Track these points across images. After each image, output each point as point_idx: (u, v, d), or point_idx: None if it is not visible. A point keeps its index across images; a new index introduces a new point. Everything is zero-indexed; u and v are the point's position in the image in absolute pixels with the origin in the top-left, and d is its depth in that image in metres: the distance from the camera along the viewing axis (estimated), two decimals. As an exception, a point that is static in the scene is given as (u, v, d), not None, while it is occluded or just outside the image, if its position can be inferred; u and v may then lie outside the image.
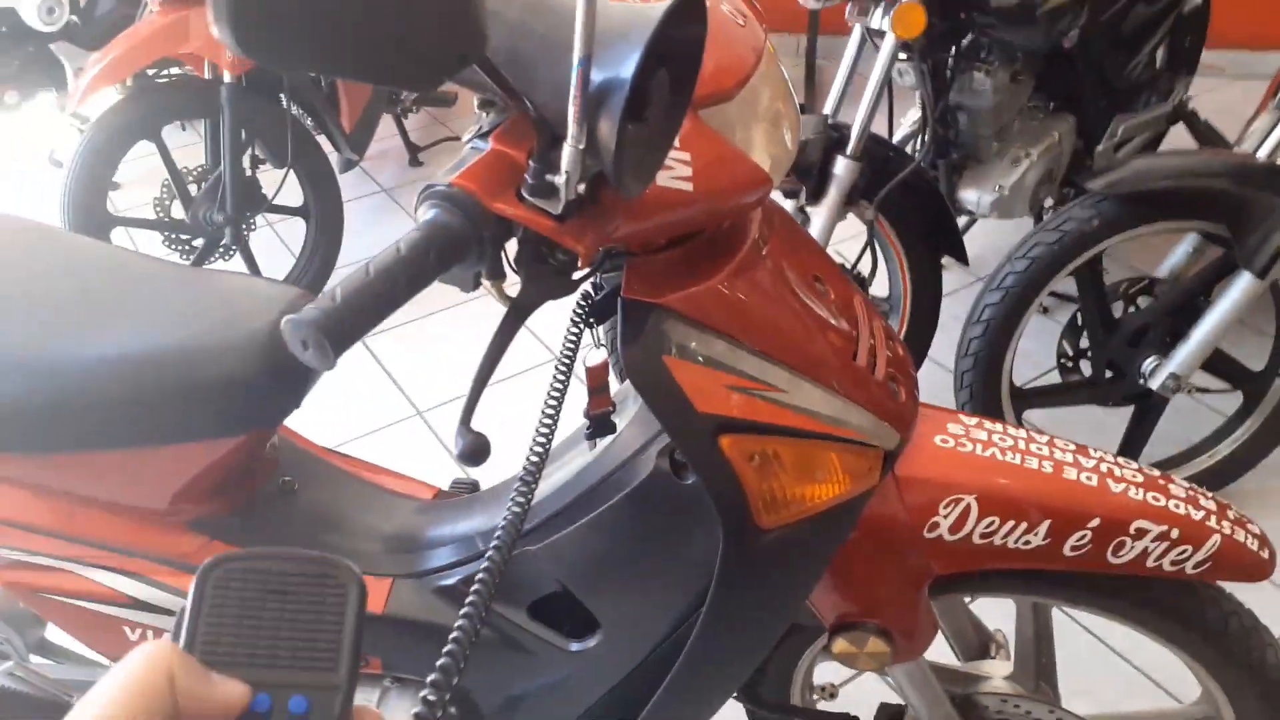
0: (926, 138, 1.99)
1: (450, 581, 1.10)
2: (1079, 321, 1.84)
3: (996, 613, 1.24)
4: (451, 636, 0.63)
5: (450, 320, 2.54)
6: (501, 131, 0.71)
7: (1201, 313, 1.71)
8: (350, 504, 1.21)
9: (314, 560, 0.42)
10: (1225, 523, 0.96)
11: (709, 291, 0.81)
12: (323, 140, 2.62)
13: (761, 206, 0.89)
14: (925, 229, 1.95)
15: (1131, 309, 1.83)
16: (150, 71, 3.06)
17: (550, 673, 1.10)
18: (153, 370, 1.01)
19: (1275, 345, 1.81)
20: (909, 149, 2.20)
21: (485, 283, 0.76)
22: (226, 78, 2.31)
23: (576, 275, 0.77)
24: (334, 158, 2.63)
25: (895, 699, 1.24)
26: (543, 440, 0.80)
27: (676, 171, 0.73)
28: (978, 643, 1.21)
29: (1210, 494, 0.99)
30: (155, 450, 1.05)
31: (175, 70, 3.13)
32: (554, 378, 0.84)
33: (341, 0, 0.54)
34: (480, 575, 0.68)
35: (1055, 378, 1.94)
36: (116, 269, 1.13)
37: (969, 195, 2.11)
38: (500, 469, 1.03)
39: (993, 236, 2.70)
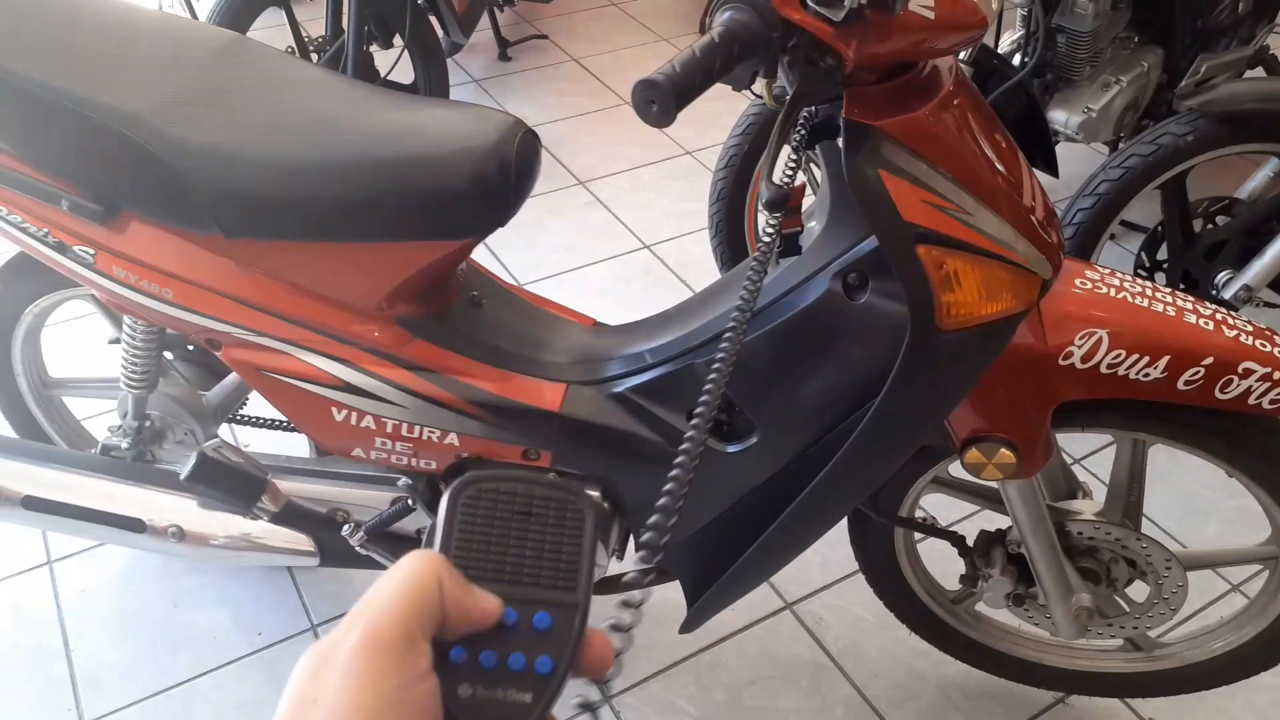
0: (1032, 52, 2.09)
1: (620, 389, 1.26)
2: (1159, 234, 1.97)
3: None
4: (674, 466, 0.58)
5: (663, 170, 2.82)
6: (791, -50, 0.85)
7: (1276, 232, 1.84)
8: (527, 321, 1.37)
9: (557, 486, 0.44)
10: (1320, 371, 1.11)
11: (915, 120, 0.96)
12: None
13: (956, 69, 1.03)
14: (1021, 137, 2.07)
15: (1210, 226, 1.96)
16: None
17: (701, 474, 1.25)
18: (386, 173, 1.16)
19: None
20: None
21: (758, 82, 0.89)
22: (356, -49, 2.42)
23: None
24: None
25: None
26: (764, 252, 0.92)
27: (923, 1, 0.88)
28: (1066, 488, 1.37)
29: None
30: (380, 246, 1.20)
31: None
32: (767, 218, 0.98)
33: None
34: (704, 396, 0.67)
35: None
36: (339, 89, 1.27)
37: (1058, 115, 2.23)
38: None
39: (1072, 167, 2.82)
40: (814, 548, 1.77)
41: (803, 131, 1.02)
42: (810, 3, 0.83)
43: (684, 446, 0.53)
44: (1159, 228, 1.97)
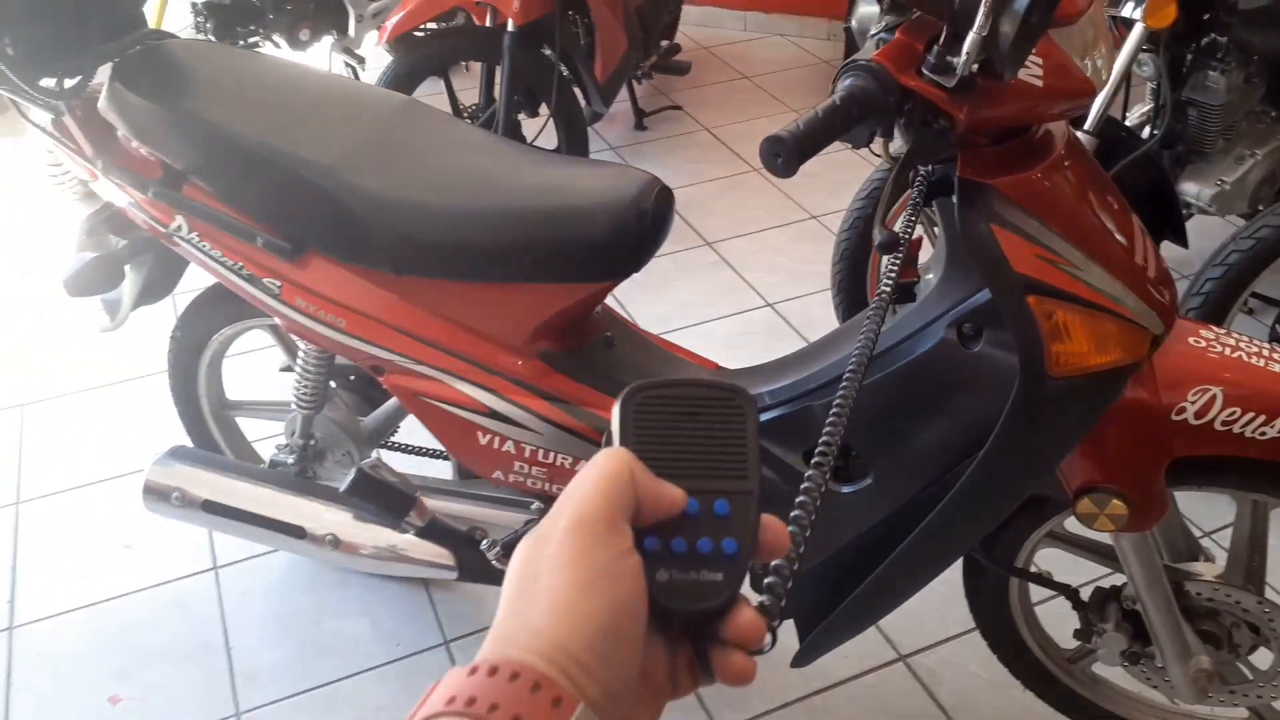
0: (1159, 126, 2.11)
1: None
2: (1293, 306, 1.95)
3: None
4: (797, 503, 0.51)
5: (788, 234, 2.96)
6: (907, 26, 0.95)
7: None
8: (656, 361, 1.47)
9: (715, 386, 0.47)
10: None
11: (1027, 179, 1.03)
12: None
13: (1067, 132, 1.10)
14: (1149, 211, 2.08)
15: (1349, 299, 1.93)
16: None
17: (819, 513, 1.31)
18: (537, 222, 1.30)
19: None
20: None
21: (877, 141, 0.99)
22: (510, 26, 2.63)
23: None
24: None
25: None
26: (883, 298, 0.95)
27: (1032, 71, 0.96)
28: (1186, 550, 1.37)
29: None
30: (528, 287, 1.33)
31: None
32: (891, 259, 1.06)
33: None
34: (825, 433, 0.64)
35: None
36: (498, 149, 1.43)
37: (1190, 187, 2.23)
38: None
39: (1202, 241, 2.78)
40: (930, 602, 1.80)
41: (921, 187, 1.10)
42: (925, 70, 0.92)
43: (804, 487, 0.51)
44: (1294, 300, 1.94)
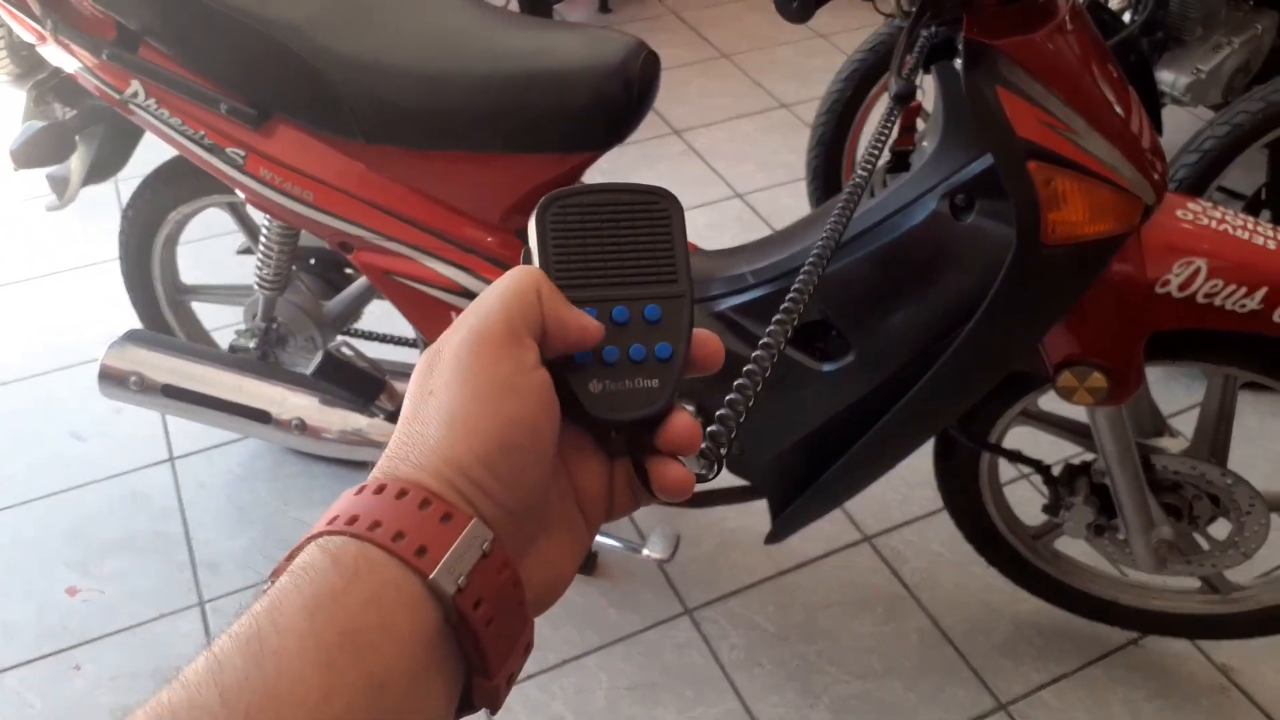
0: (1142, 11, 2.08)
1: (721, 308, 1.32)
2: (1262, 197, 1.96)
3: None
4: (752, 358, 0.51)
5: (757, 123, 2.87)
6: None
7: (1385, 198, 1.82)
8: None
9: (636, 189, 0.45)
10: None
11: (1032, 41, 1.00)
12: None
13: (1071, 1, 1.06)
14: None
15: (1316, 189, 1.94)
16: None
17: (795, 392, 1.31)
18: (516, 87, 1.23)
19: None
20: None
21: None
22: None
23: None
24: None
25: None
26: (868, 164, 0.89)
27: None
28: (1153, 427, 1.39)
29: None
30: (506, 158, 1.28)
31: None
32: (887, 113, 1.03)
33: None
34: (789, 298, 0.60)
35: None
36: (477, 10, 1.35)
37: (1166, 75, 2.21)
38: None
39: (1173, 135, 2.78)
40: (894, 486, 1.84)
41: (923, 50, 1.06)
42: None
43: (758, 349, 0.49)
44: (1261, 192, 1.95)
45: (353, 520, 0.36)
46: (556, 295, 0.41)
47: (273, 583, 0.35)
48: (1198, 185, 1.86)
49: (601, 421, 0.42)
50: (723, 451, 0.45)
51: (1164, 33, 2.18)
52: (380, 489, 0.36)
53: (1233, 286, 1.12)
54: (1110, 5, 2.31)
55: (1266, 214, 1.98)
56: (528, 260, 0.44)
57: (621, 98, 1.22)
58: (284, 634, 0.32)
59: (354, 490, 0.37)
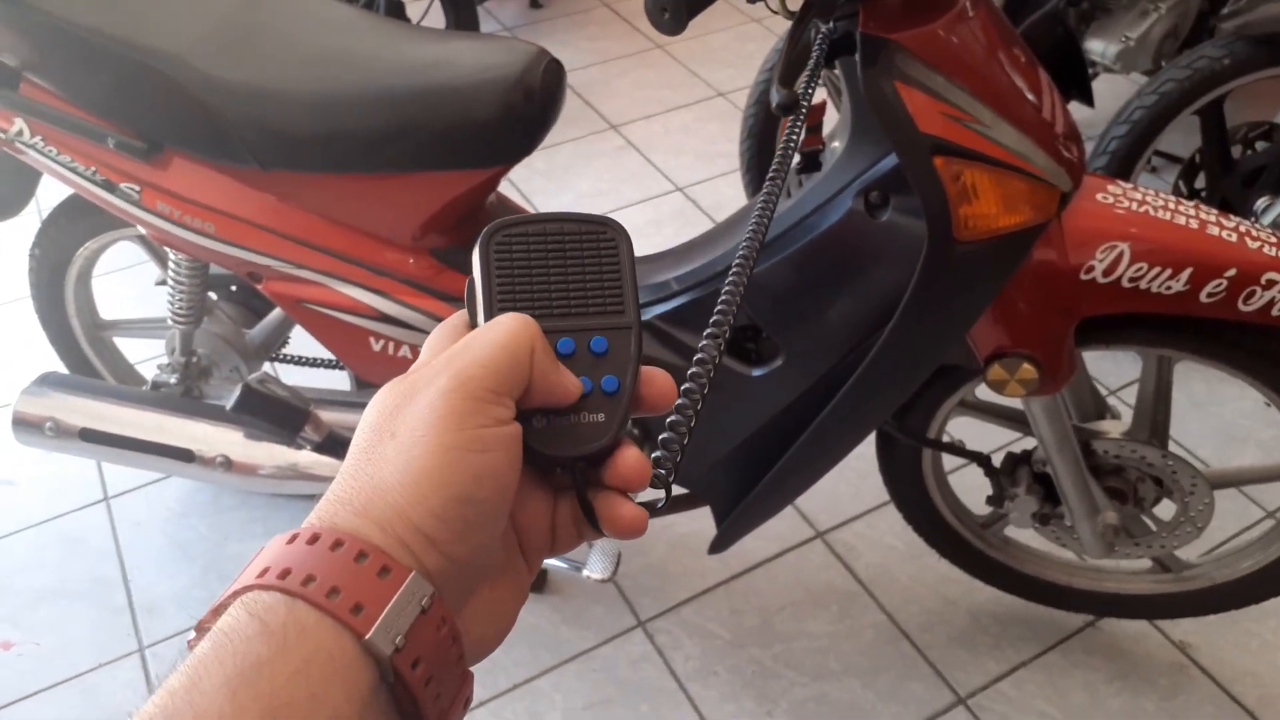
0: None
1: (647, 317, 1.28)
2: (1196, 163, 1.95)
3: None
4: (689, 375, 0.52)
5: (695, 113, 2.82)
6: None
7: (1317, 157, 1.81)
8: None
9: (582, 219, 0.44)
10: (1345, 281, 1.11)
11: (931, 33, 0.96)
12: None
13: None
14: (1055, 69, 2.04)
15: (1249, 152, 1.93)
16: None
17: (729, 398, 1.28)
18: (415, 105, 1.18)
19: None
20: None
21: (772, -6, 0.91)
22: (386, -103, 2.43)
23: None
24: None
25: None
26: (782, 168, 0.91)
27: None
28: (1094, 409, 1.37)
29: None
30: (411, 177, 1.23)
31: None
32: (793, 121, 0.99)
33: None
34: (718, 310, 0.60)
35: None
36: (367, 25, 1.30)
37: (1095, 45, 2.19)
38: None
39: (1107, 102, 2.77)
40: (845, 478, 1.81)
41: (822, 46, 1.02)
42: (820, -88, 0.84)
43: (694, 370, 0.49)
44: (1196, 156, 1.94)
45: (284, 574, 0.34)
46: (548, 354, 0.40)
47: (199, 636, 0.33)
48: (1130, 155, 1.85)
49: (547, 458, 0.41)
50: (671, 477, 0.44)
51: (1090, 2, 2.16)
52: (314, 539, 0.35)
53: (1157, 269, 1.09)
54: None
55: (1202, 177, 1.97)
56: (471, 291, 0.43)
57: (525, 109, 1.18)
58: (203, 717, 0.30)
59: (286, 538, 0.35)
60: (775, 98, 0.86)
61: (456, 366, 0.38)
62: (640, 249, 1.46)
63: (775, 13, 0.93)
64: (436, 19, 2.70)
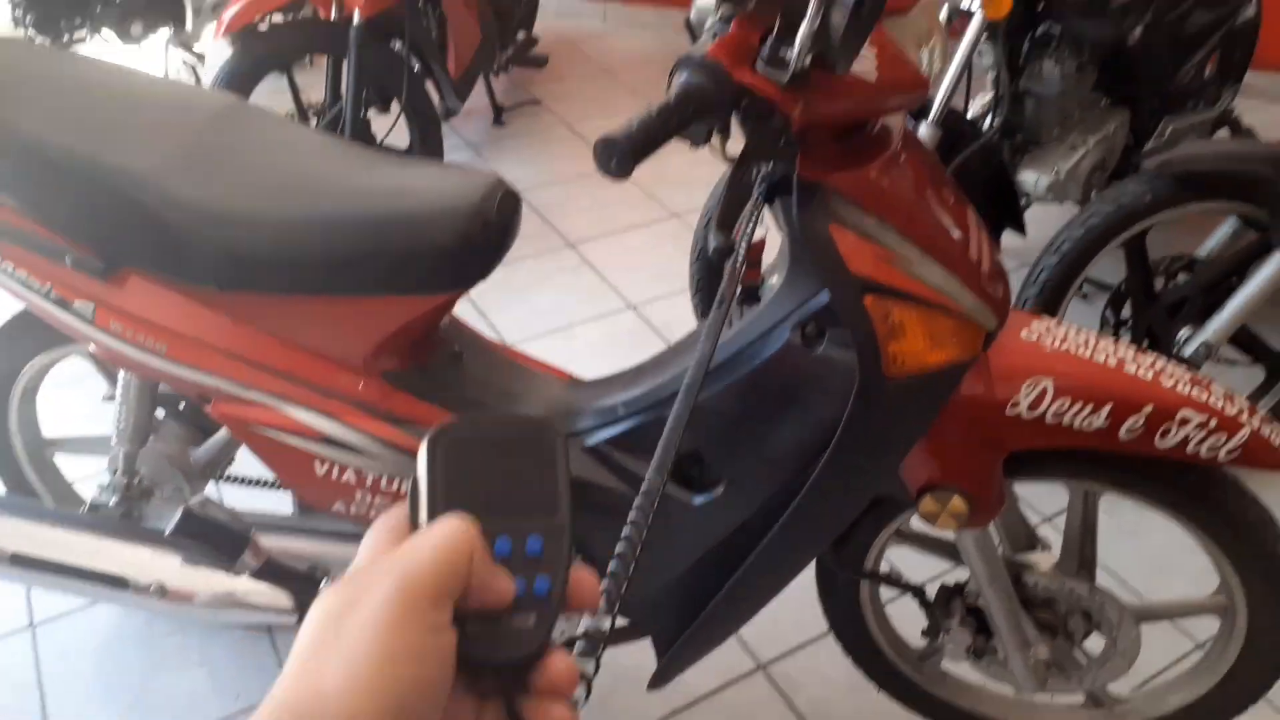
0: (999, 115, 2.18)
1: (592, 442, 1.30)
2: (1122, 292, 2.04)
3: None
4: (632, 514, 0.57)
5: (650, 233, 2.92)
6: (742, 18, 0.92)
7: (1235, 291, 1.90)
8: (506, 376, 1.42)
9: (523, 422, 0.47)
10: (1254, 419, 1.16)
11: (864, 176, 1.02)
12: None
13: (904, 127, 1.10)
14: (989, 200, 2.15)
15: (1171, 284, 2.02)
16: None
17: (670, 526, 1.29)
18: (373, 231, 1.21)
19: (1301, 325, 2.01)
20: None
21: (714, 140, 0.96)
22: (355, 18, 2.51)
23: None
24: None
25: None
26: (721, 310, 0.95)
27: (866, 64, 0.95)
28: (1025, 539, 1.40)
29: (1243, 398, 1.19)
30: (367, 300, 1.25)
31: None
32: (734, 260, 1.03)
33: None
34: (662, 444, 0.69)
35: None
36: (331, 151, 1.34)
37: (1027, 176, 2.30)
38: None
39: (1040, 228, 2.90)
40: (786, 607, 1.80)
41: (761, 188, 1.08)
42: (759, 66, 0.90)
43: (639, 501, 0.53)
44: (1123, 285, 2.03)
45: None
46: (485, 559, 0.42)
47: None
48: (1061, 284, 1.93)
49: (479, 663, 0.42)
50: (623, 588, 0.46)
51: (1023, 135, 2.29)
52: None
53: (1079, 405, 1.14)
54: (971, 113, 2.42)
55: (1129, 305, 2.05)
56: (415, 489, 0.44)
57: (481, 238, 1.21)
58: None
59: None
60: (712, 241, 0.91)
61: (400, 571, 0.40)
62: (594, 365, 1.50)
63: (720, 153, 0.98)
64: (401, 135, 2.78)
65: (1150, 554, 1.92)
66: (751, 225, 1.02)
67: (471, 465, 0.45)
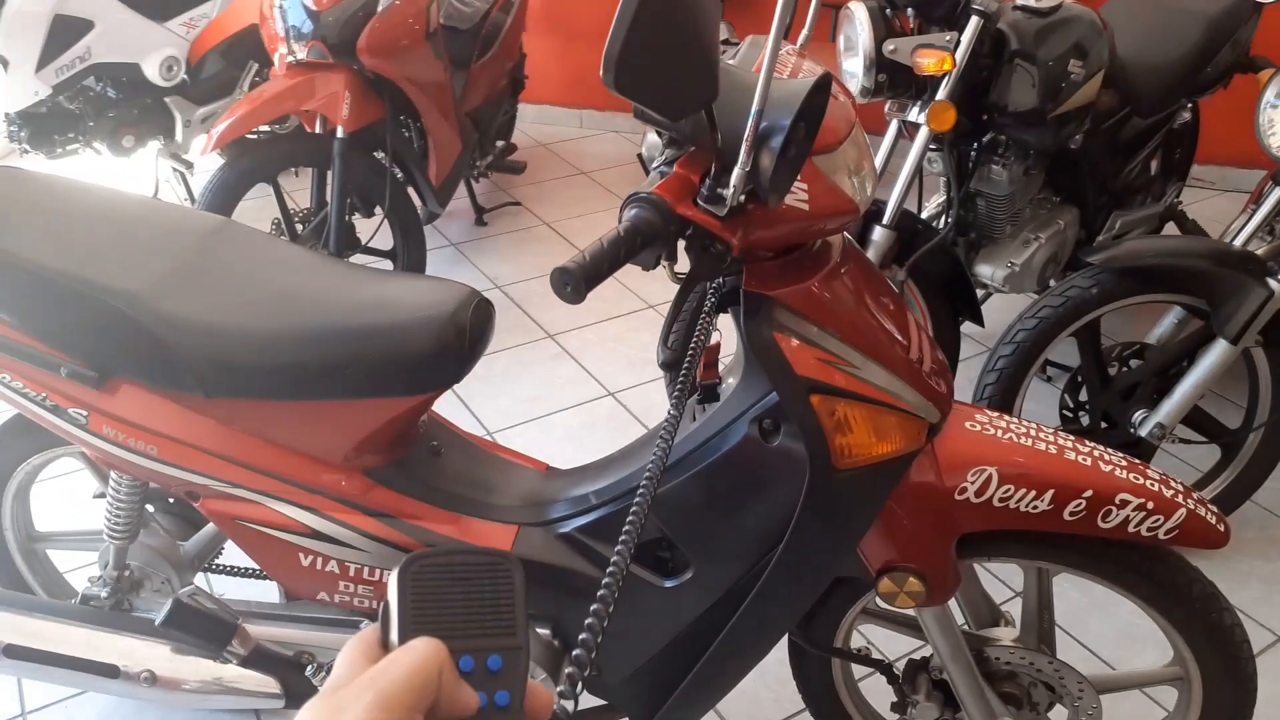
0: (950, 217, 2.30)
1: (567, 529, 1.37)
2: (1079, 379, 2.13)
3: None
4: (600, 590, 0.64)
5: (627, 324, 3.01)
6: (684, 160, 1.02)
7: (1185, 374, 2.00)
8: (483, 468, 1.49)
9: (485, 553, 0.51)
10: (1190, 501, 1.24)
11: (805, 289, 1.11)
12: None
13: (844, 242, 1.20)
14: (947, 294, 2.26)
15: (1124, 369, 2.12)
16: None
17: (643, 609, 1.35)
18: (354, 340, 1.30)
19: (1248, 407, 2.10)
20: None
21: (663, 264, 1.05)
22: (339, 133, 2.65)
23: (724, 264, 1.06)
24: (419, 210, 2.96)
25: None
26: (676, 408, 1.04)
27: (799, 196, 1.04)
28: (989, 615, 1.46)
29: (1178, 481, 1.27)
30: (348, 404, 1.33)
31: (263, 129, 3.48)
32: (685, 362, 1.12)
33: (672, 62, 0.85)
34: (626, 527, 0.78)
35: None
36: (314, 266, 1.43)
37: (984, 269, 2.42)
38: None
39: (1002, 314, 3.01)
40: (766, 684, 1.85)
41: (713, 299, 1.17)
42: (700, 202, 1.00)
43: (608, 574, 0.60)
44: (1078, 372, 2.13)
45: None
46: (452, 674, 0.46)
47: None
48: (1016, 373, 2.02)
49: None
50: (591, 659, 0.51)
51: (976, 233, 2.41)
52: None
53: (1023, 490, 1.21)
54: (926, 213, 2.55)
55: (1085, 390, 2.15)
56: (386, 610, 0.49)
57: (455, 344, 1.30)
58: None
59: None
60: (660, 356, 0.99)
61: (378, 687, 0.44)
62: (572, 451, 1.57)
63: (668, 275, 1.07)
64: (385, 237, 2.89)
65: (1118, 627, 1.98)
66: (705, 334, 1.11)
67: (438, 592, 0.49)
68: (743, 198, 0.98)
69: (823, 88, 0.96)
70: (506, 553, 0.52)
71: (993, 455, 1.23)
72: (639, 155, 1.14)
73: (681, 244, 1.04)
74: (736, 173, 0.95)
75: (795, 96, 0.93)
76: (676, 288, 1.10)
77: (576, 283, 0.91)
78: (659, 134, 1.08)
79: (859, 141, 1.15)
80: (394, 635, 0.48)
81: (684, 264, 1.08)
